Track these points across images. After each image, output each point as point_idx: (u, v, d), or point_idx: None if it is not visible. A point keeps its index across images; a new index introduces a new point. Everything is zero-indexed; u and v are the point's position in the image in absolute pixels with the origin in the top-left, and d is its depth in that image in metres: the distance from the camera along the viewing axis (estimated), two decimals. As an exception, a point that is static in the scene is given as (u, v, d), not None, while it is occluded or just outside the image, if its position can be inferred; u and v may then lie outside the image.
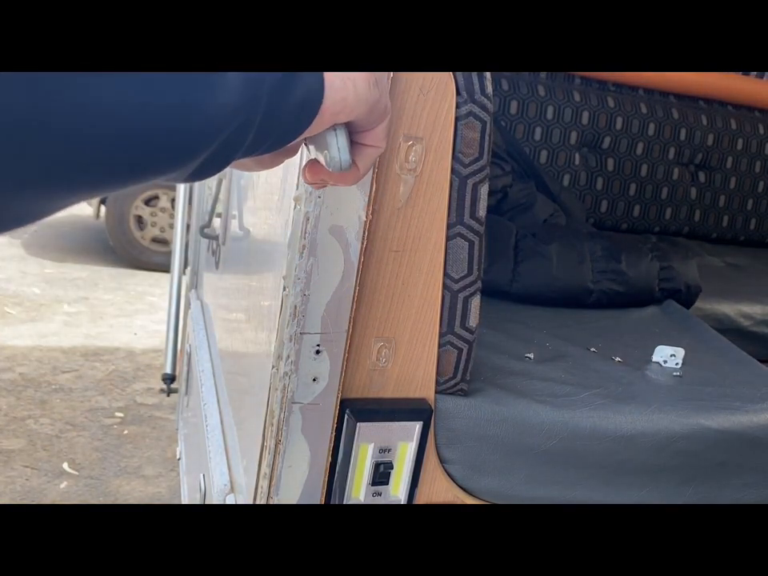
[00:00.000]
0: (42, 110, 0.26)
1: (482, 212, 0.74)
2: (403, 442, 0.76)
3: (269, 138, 0.36)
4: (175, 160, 0.31)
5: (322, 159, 0.44)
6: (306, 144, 0.45)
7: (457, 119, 0.69)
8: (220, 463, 1.01)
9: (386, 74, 0.43)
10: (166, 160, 0.31)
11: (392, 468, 0.76)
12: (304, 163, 0.46)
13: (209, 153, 0.32)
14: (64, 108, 0.27)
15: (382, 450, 0.75)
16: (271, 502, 0.74)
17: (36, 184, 0.28)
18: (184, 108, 0.30)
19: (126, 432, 2.18)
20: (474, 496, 0.83)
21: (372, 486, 0.76)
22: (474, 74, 0.70)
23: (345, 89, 0.38)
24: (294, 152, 0.42)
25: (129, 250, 3.88)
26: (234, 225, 1.23)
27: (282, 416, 0.71)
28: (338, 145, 0.42)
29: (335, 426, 0.73)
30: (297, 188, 0.67)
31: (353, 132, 0.44)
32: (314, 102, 0.37)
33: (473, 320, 0.77)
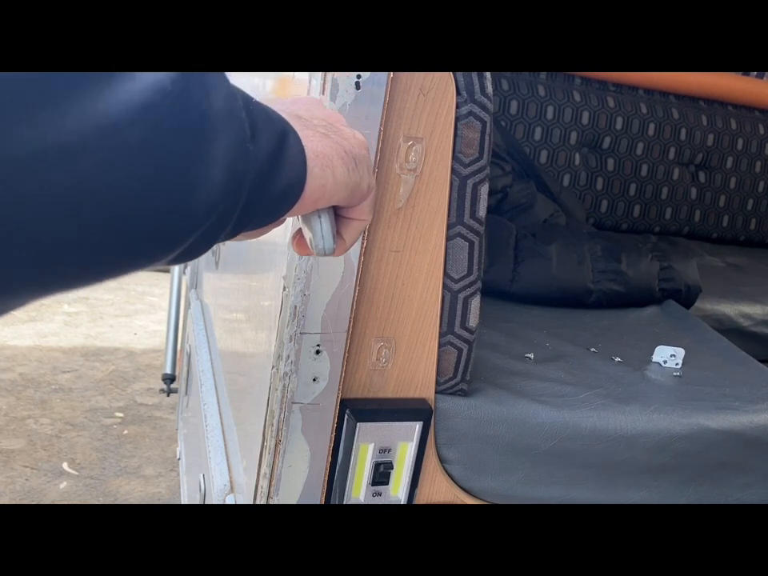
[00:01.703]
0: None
1: (482, 212, 0.74)
2: (403, 442, 0.76)
3: (249, 224, 0.36)
4: (153, 257, 0.31)
5: (307, 237, 0.45)
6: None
7: (457, 119, 0.69)
8: (220, 463, 1.01)
9: (366, 155, 0.43)
10: (144, 257, 0.31)
11: (392, 468, 0.76)
12: (293, 233, 0.47)
13: (188, 243, 0.32)
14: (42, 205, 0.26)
15: (382, 450, 0.75)
16: (271, 502, 0.74)
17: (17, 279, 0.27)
18: (165, 211, 0.30)
19: (125, 432, 2.18)
20: (474, 496, 0.83)
21: (372, 486, 0.76)
22: (474, 74, 0.70)
23: (323, 176, 0.39)
24: (279, 224, 0.43)
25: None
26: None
27: (281, 416, 0.71)
28: (322, 232, 0.43)
29: (335, 426, 0.73)
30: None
31: (337, 208, 0.45)
32: (294, 190, 0.38)
33: (473, 320, 0.77)
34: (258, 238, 0.44)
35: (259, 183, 0.34)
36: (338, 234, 0.46)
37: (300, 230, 0.47)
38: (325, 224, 0.43)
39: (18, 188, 0.24)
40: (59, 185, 0.25)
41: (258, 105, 0.35)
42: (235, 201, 0.33)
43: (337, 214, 0.45)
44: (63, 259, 0.27)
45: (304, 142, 0.38)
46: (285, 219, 0.43)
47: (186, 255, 0.33)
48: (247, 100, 0.35)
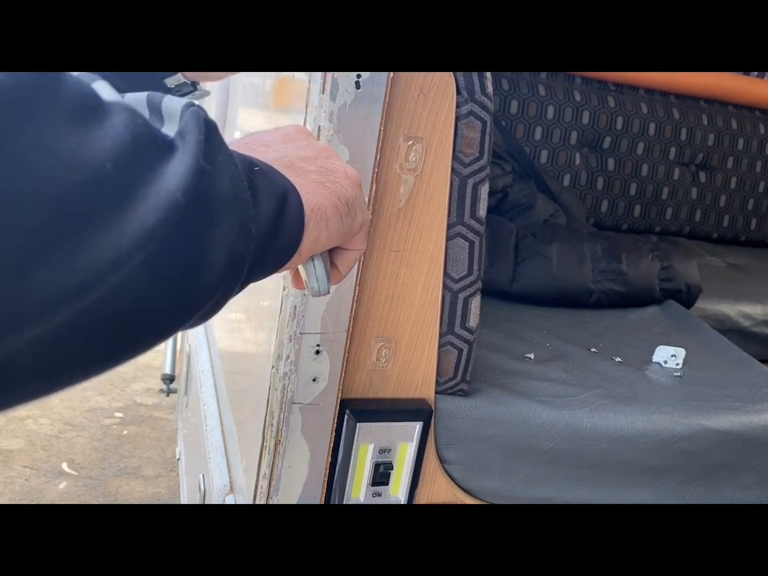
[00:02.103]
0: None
1: (482, 212, 0.73)
2: (403, 442, 0.76)
3: (246, 284, 0.37)
4: (152, 344, 0.31)
5: (303, 277, 0.46)
6: None
7: (457, 119, 0.69)
8: (220, 463, 1.01)
9: (358, 193, 0.44)
10: (144, 347, 0.31)
11: (392, 468, 0.76)
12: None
13: (187, 325, 0.33)
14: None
15: (382, 451, 0.75)
16: (271, 503, 0.74)
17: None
18: (167, 306, 0.30)
19: (125, 432, 2.17)
20: (474, 496, 0.82)
21: (372, 486, 0.76)
22: (475, 74, 0.70)
23: (318, 230, 0.39)
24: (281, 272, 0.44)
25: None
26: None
27: (281, 416, 0.71)
28: (317, 275, 0.45)
29: (335, 426, 0.73)
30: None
31: None
32: (291, 249, 0.38)
33: (473, 320, 0.77)
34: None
35: (260, 251, 0.35)
36: (332, 264, 0.47)
37: (297, 272, 0.48)
38: (319, 268, 0.45)
39: (33, 329, 0.25)
40: (67, 319, 0.25)
41: (261, 170, 0.36)
42: (236, 279, 0.34)
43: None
44: (62, 373, 0.28)
45: (300, 196, 0.38)
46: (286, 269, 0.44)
47: (189, 327, 0.34)
48: (249, 167, 0.35)
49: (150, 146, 0.28)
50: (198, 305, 0.32)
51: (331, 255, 0.46)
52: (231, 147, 0.34)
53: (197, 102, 0.35)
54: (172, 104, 0.35)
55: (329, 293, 0.47)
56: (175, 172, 0.28)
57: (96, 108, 0.26)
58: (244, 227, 0.32)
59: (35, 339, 0.25)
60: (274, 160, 0.39)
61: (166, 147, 0.29)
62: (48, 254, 0.24)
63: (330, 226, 0.40)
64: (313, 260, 0.44)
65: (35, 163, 0.23)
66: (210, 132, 0.31)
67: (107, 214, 0.25)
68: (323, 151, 0.44)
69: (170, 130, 0.30)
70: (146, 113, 0.37)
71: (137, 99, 0.37)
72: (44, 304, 0.24)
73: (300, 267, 0.46)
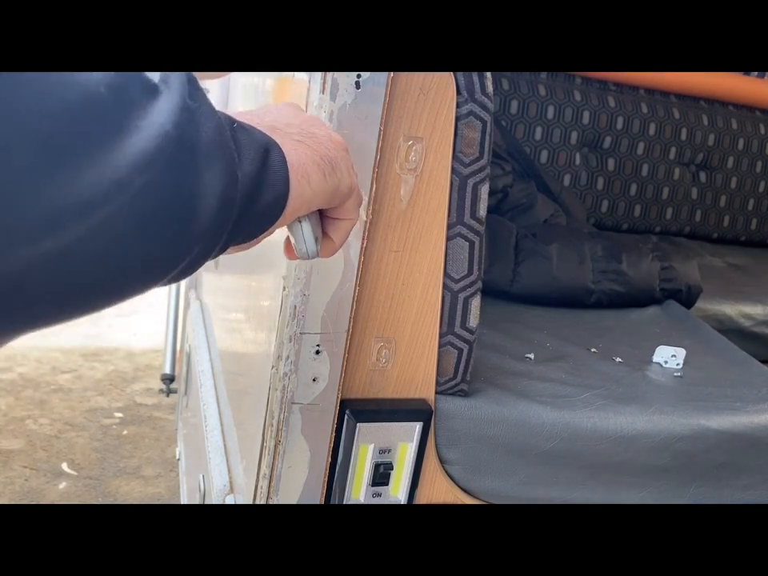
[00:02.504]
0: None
1: (482, 212, 0.73)
2: (403, 442, 0.76)
3: (236, 240, 0.38)
4: (145, 285, 0.33)
5: (292, 243, 0.46)
6: None
7: (457, 119, 0.69)
8: (219, 464, 1.01)
9: (344, 156, 0.44)
10: (137, 286, 0.32)
11: (392, 469, 0.76)
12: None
13: (179, 269, 0.34)
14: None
15: (382, 451, 0.75)
16: (271, 503, 0.74)
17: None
18: (160, 243, 0.31)
19: (125, 432, 2.17)
20: (474, 496, 0.82)
21: (372, 486, 0.76)
22: (475, 74, 0.70)
23: (300, 186, 0.40)
24: (268, 235, 0.44)
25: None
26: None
27: (281, 416, 0.71)
28: (304, 237, 0.44)
29: (335, 426, 0.73)
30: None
31: (323, 210, 0.46)
32: (278, 204, 0.39)
33: (473, 320, 0.77)
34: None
35: (246, 202, 0.36)
36: (325, 235, 0.46)
37: (288, 241, 0.48)
38: (306, 229, 0.44)
39: (44, 242, 0.26)
40: (77, 237, 0.27)
41: (240, 125, 0.37)
42: (224, 225, 0.34)
43: (323, 215, 0.46)
44: (69, 299, 0.29)
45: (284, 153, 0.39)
46: (273, 231, 0.43)
47: (175, 279, 0.35)
48: (230, 122, 0.36)
49: (137, 83, 0.29)
50: (190, 246, 0.33)
51: (324, 225, 0.46)
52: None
53: None
54: None
55: (318, 255, 0.46)
56: (163, 108, 0.30)
57: None
58: (231, 173, 0.34)
59: (48, 254, 0.26)
60: (256, 124, 0.40)
61: (151, 87, 0.30)
62: (53, 167, 0.25)
63: (313, 184, 0.41)
64: (300, 222, 0.44)
65: (33, 80, 0.24)
66: (191, 79, 0.33)
67: (106, 136, 0.27)
68: (309, 119, 0.45)
69: (153, 78, 0.32)
70: None
71: None
72: (54, 217, 0.26)
73: (289, 234, 0.46)
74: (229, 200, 0.34)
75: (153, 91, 0.30)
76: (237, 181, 0.34)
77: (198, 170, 0.32)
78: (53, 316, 0.29)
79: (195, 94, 0.32)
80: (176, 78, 0.31)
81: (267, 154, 0.37)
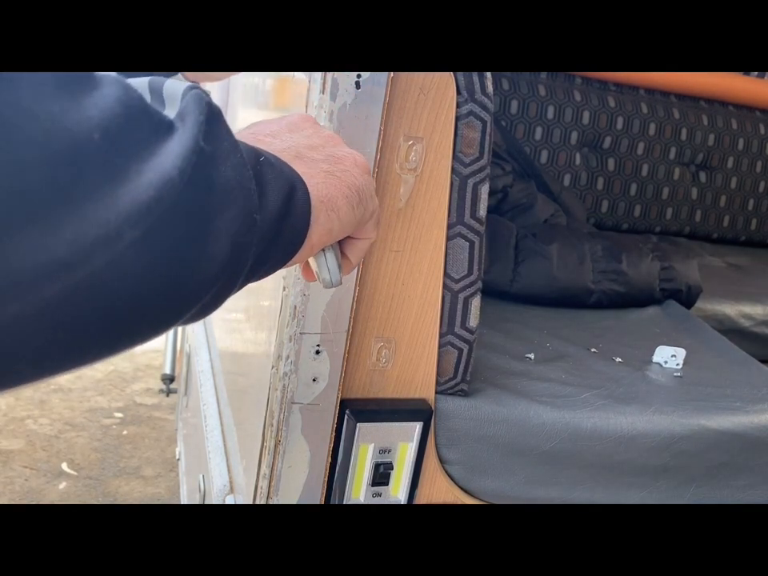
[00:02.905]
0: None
1: (482, 212, 0.73)
2: (403, 442, 0.76)
3: (252, 279, 0.36)
4: (153, 333, 0.30)
5: (314, 269, 0.46)
6: None
7: (457, 119, 0.69)
8: (219, 464, 1.01)
9: (368, 180, 0.43)
10: (144, 335, 0.30)
11: (392, 469, 0.76)
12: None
13: (188, 315, 0.32)
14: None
15: (382, 451, 0.75)
16: (271, 503, 0.74)
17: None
18: (166, 294, 0.29)
19: (125, 432, 2.17)
20: (474, 497, 0.82)
21: (372, 486, 0.76)
22: (475, 74, 0.70)
23: (329, 221, 0.39)
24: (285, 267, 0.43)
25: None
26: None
27: (281, 416, 0.71)
28: (329, 266, 0.44)
29: (335, 426, 0.73)
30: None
31: None
32: (297, 241, 0.37)
33: (473, 320, 0.77)
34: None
35: (265, 244, 0.34)
36: (343, 255, 0.46)
37: (307, 264, 0.48)
38: (330, 259, 0.44)
39: (18, 302, 0.23)
40: (57, 297, 0.24)
41: (267, 161, 0.35)
42: (239, 271, 0.32)
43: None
44: (66, 355, 0.27)
45: (309, 188, 0.37)
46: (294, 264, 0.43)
47: (190, 321, 0.33)
48: (256, 158, 0.34)
49: (145, 123, 0.27)
50: (197, 296, 0.30)
51: (341, 245, 0.46)
52: (236, 137, 0.33)
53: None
54: (174, 87, 0.34)
55: (341, 284, 0.46)
56: (172, 151, 0.27)
57: (85, 78, 0.25)
58: (248, 217, 0.31)
59: (20, 316, 0.23)
60: (280, 151, 0.38)
61: (163, 127, 0.28)
62: (27, 223, 0.23)
63: (342, 217, 0.40)
64: (324, 251, 0.44)
65: (12, 126, 0.22)
66: (212, 115, 0.30)
67: (93, 187, 0.24)
68: (330, 139, 0.43)
69: (170, 112, 0.29)
70: (147, 97, 0.35)
71: (138, 83, 0.36)
72: (26, 277, 0.23)
73: (311, 259, 0.45)
74: (242, 245, 0.31)
75: (164, 130, 0.28)
76: (254, 224, 0.32)
77: (209, 214, 0.29)
78: (31, 375, 0.26)
79: (213, 133, 0.30)
80: (192, 117, 0.29)
81: (293, 191, 0.36)
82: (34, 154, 0.23)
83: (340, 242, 0.46)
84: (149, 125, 0.27)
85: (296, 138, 0.42)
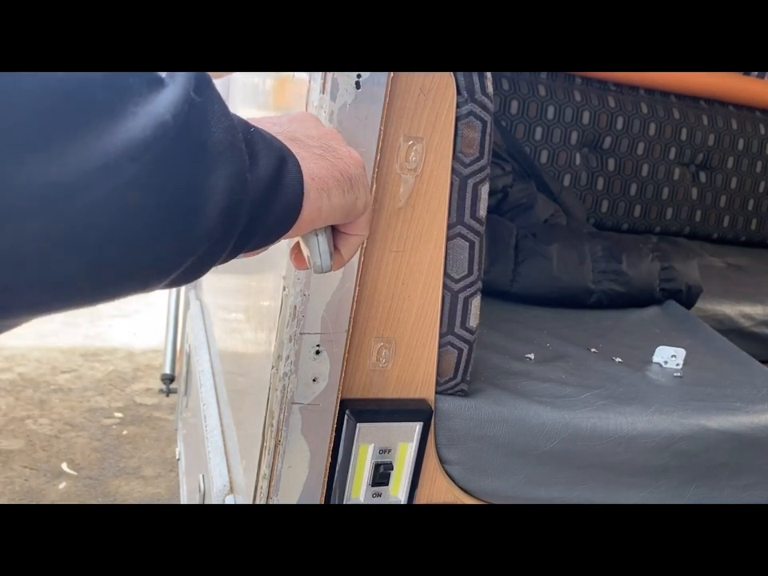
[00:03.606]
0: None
1: (482, 212, 0.73)
2: (403, 442, 0.76)
3: (246, 246, 0.37)
4: (147, 283, 0.31)
5: (305, 254, 0.46)
6: None
7: (457, 119, 0.69)
8: (219, 464, 1.01)
9: (362, 173, 0.44)
10: (138, 284, 0.31)
11: (392, 469, 0.76)
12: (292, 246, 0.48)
13: (181, 270, 0.33)
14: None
15: (382, 451, 0.75)
16: (271, 503, 0.74)
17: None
18: (161, 241, 0.30)
19: (125, 432, 2.17)
20: (474, 497, 0.82)
21: (372, 486, 0.76)
22: (475, 74, 0.70)
23: (319, 199, 0.40)
24: (277, 242, 0.44)
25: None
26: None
27: (281, 416, 0.71)
28: (320, 251, 0.45)
29: (335, 426, 0.73)
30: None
31: (335, 225, 0.46)
32: (291, 214, 0.38)
33: (473, 320, 0.77)
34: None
35: (257, 208, 0.35)
36: (335, 249, 0.47)
37: (298, 244, 0.48)
38: (322, 243, 0.45)
39: (22, 224, 0.25)
40: (60, 220, 0.26)
41: (258, 131, 0.36)
42: (231, 229, 0.33)
43: (335, 229, 0.47)
44: (62, 287, 0.28)
45: (301, 165, 0.39)
46: (288, 238, 0.43)
47: (180, 281, 0.34)
48: (246, 128, 0.35)
49: (140, 75, 0.28)
50: (188, 250, 0.32)
51: (335, 240, 0.46)
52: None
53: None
54: None
55: (331, 269, 0.46)
56: (165, 99, 0.29)
57: None
58: (240, 176, 0.33)
59: (33, 233, 0.25)
60: (277, 133, 0.39)
61: (155, 79, 0.29)
62: (35, 148, 0.24)
63: (333, 198, 0.41)
64: (317, 235, 0.44)
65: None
66: (202, 78, 0.32)
67: (95, 118, 0.26)
68: (329, 133, 0.45)
69: (160, 73, 0.31)
70: None
71: None
72: (36, 196, 0.25)
73: (302, 244, 0.46)
74: (236, 203, 0.33)
75: (157, 83, 0.29)
76: (246, 184, 0.33)
77: (203, 168, 0.31)
78: (45, 303, 0.28)
79: (204, 90, 0.31)
80: (184, 74, 0.31)
81: (283, 162, 0.37)
82: (38, 83, 0.24)
83: (334, 238, 0.46)
84: (145, 76, 0.29)
85: (294, 126, 0.43)
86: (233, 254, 0.36)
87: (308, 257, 0.46)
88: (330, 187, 0.40)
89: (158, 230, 0.29)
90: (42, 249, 0.26)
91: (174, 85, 0.30)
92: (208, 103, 0.32)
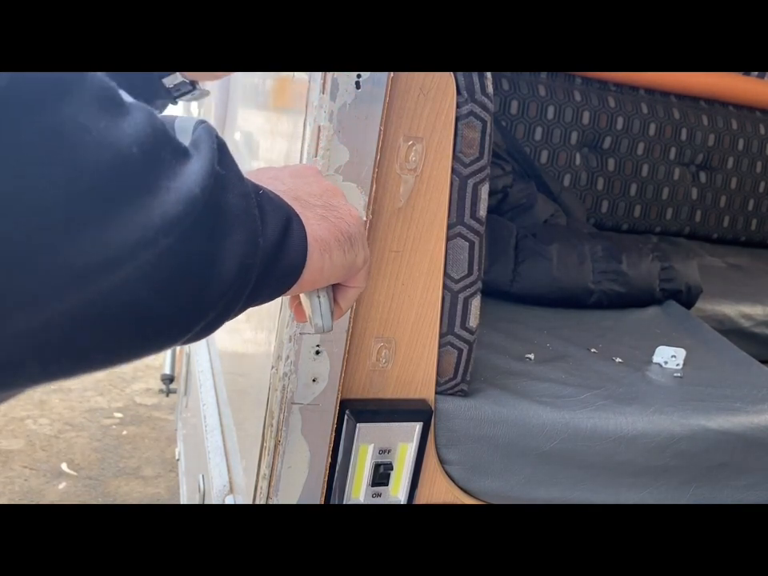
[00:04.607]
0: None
1: (482, 212, 0.73)
2: (403, 442, 0.76)
3: (250, 305, 0.38)
4: (160, 346, 0.32)
5: (306, 312, 0.47)
6: None
7: (457, 119, 0.69)
8: (219, 464, 1.01)
9: (361, 230, 0.45)
10: (152, 347, 0.32)
11: (392, 469, 0.76)
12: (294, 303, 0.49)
13: (194, 332, 0.34)
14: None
15: (382, 451, 0.75)
16: (271, 503, 0.74)
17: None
18: (178, 306, 0.31)
19: (124, 432, 2.17)
20: (474, 497, 0.82)
21: (372, 486, 0.76)
22: (475, 74, 0.70)
23: (321, 260, 0.41)
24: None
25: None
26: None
27: (281, 416, 0.71)
28: (321, 311, 0.46)
29: (335, 426, 0.73)
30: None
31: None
32: (293, 274, 0.40)
33: (473, 320, 0.77)
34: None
35: (264, 269, 0.36)
36: (334, 300, 0.48)
37: (298, 296, 0.49)
38: (324, 304, 0.46)
39: (60, 301, 0.26)
40: (95, 295, 0.27)
41: (266, 193, 0.38)
42: (242, 290, 0.35)
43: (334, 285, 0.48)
44: (77, 360, 0.29)
45: (305, 226, 0.40)
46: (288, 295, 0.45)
47: (190, 340, 0.35)
48: (256, 190, 0.37)
49: (168, 145, 0.29)
50: (205, 312, 0.33)
51: (333, 291, 0.47)
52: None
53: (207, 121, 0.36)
54: (185, 121, 0.37)
55: (332, 329, 0.47)
56: (193, 172, 0.30)
57: (120, 101, 0.28)
58: (253, 240, 0.34)
59: (70, 310, 0.26)
60: (281, 191, 0.41)
61: (181, 151, 0.30)
62: (84, 223, 0.25)
63: (334, 258, 0.42)
64: (318, 296, 0.45)
65: (71, 137, 0.25)
66: (221, 145, 0.33)
67: (136, 196, 0.27)
68: (330, 189, 0.46)
69: (183, 142, 0.32)
70: None
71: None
72: (79, 273, 0.26)
73: (305, 302, 0.47)
74: (248, 267, 0.34)
75: (183, 154, 0.30)
76: (258, 248, 0.35)
77: (221, 235, 0.32)
78: (67, 371, 0.29)
79: (224, 160, 0.33)
80: (206, 144, 0.32)
81: (289, 223, 0.38)
82: (89, 160, 0.25)
83: (332, 288, 0.47)
84: (171, 147, 0.30)
85: (297, 183, 0.45)
86: (239, 312, 0.37)
87: (309, 316, 0.47)
88: (332, 248, 0.42)
89: (177, 296, 0.31)
90: (72, 324, 0.27)
91: (200, 157, 0.31)
92: (228, 173, 0.33)
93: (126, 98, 0.29)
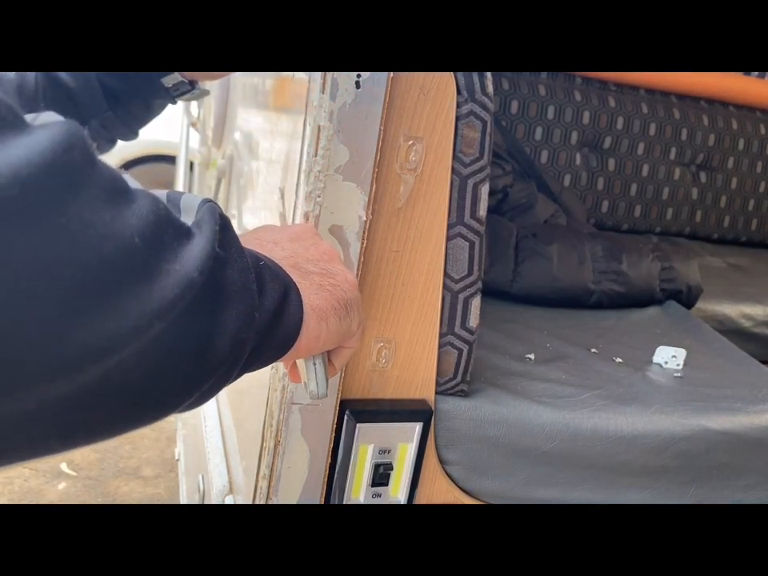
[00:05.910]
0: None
1: (482, 212, 0.73)
2: (403, 443, 0.76)
3: (247, 371, 0.39)
4: (154, 418, 0.33)
5: (302, 377, 0.47)
6: None
7: (457, 119, 0.69)
8: (219, 464, 1.01)
9: (357, 296, 0.46)
10: (147, 420, 0.33)
11: (392, 469, 0.76)
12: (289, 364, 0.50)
13: (186, 404, 0.34)
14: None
15: (382, 451, 0.75)
16: (270, 503, 0.74)
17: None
18: (172, 383, 0.32)
19: (125, 432, 2.17)
20: (474, 497, 0.82)
21: (372, 487, 0.76)
22: (475, 74, 0.70)
23: (318, 329, 0.42)
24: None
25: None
26: (233, 224, 1.23)
27: (281, 417, 0.71)
28: (317, 378, 0.46)
29: (335, 426, 0.73)
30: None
31: None
32: (289, 342, 0.40)
33: (473, 320, 0.77)
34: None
35: (259, 341, 0.37)
36: (328, 360, 0.48)
37: (294, 367, 0.49)
38: (319, 371, 0.46)
39: (59, 384, 0.26)
40: (89, 380, 0.27)
41: (266, 264, 0.39)
42: (238, 360, 0.36)
43: None
44: (76, 434, 0.29)
45: (302, 296, 0.41)
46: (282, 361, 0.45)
47: (185, 409, 0.35)
48: (257, 261, 0.38)
49: (170, 229, 0.30)
50: (201, 382, 0.34)
51: (328, 351, 0.48)
52: (242, 240, 0.37)
53: (213, 200, 0.38)
54: (190, 200, 0.38)
55: (327, 396, 0.47)
56: (192, 254, 0.31)
57: (125, 190, 0.29)
58: (249, 314, 0.35)
59: (62, 395, 0.27)
60: (281, 258, 0.42)
61: (183, 232, 0.31)
62: (82, 314, 0.26)
63: (330, 326, 0.43)
64: (314, 362, 0.46)
65: (76, 233, 0.26)
66: (224, 224, 0.35)
67: (134, 284, 0.28)
68: (327, 253, 0.47)
69: (187, 220, 0.33)
70: None
71: (159, 195, 0.39)
72: (73, 361, 0.26)
73: (301, 367, 0.47)
74: (243, 341, 0.35)
75: (186, 235, 0.31)
76: (254, 321, 0.35)
77: (216, 312, 0.33)
78: (54, 450, 0.29)
79: (225, 239, 0.34)
80: (208, 225, 0.33)
81: (287, 294, 0.39)
82: (91, 255, 0.26)
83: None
84: (173, 231, 0.31)
85: (295, 248, 0.46)
86: (234, 380, 0.38)
87: (305, 381, 0.47)
88: (329, 316, 0.43)
89: (171, 374, 0.31)
90: (64, 407, 0.27)
91: (201, 237, 0.32)
92: (228, 251, 0.34)
93: (132, 184, 0.30)
